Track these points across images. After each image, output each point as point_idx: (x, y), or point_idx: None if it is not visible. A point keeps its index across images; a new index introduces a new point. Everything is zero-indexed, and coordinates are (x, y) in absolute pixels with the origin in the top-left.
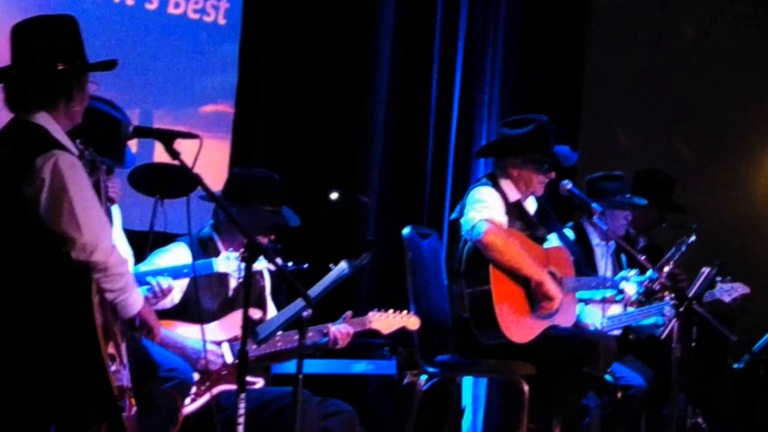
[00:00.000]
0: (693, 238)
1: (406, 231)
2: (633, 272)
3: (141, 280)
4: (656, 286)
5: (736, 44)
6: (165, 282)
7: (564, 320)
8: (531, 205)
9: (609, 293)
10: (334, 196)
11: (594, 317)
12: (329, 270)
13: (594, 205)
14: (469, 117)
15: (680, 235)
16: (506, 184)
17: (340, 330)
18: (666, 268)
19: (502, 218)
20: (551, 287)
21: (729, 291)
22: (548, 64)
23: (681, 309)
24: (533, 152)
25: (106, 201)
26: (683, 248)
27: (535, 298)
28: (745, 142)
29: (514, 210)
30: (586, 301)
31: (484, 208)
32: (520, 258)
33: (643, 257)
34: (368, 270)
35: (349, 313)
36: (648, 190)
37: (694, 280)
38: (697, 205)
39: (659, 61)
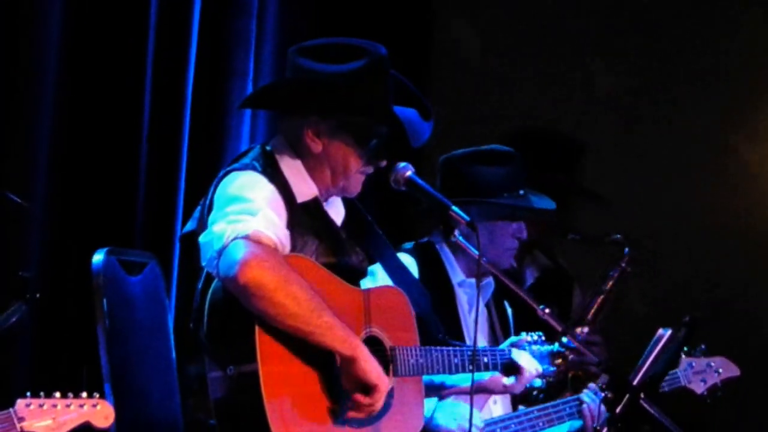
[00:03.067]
0: (623, 263)
1: (97, 258)
2: (530, 336)
3: None
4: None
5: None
6: None
7: (398, 429)
8: (337, 211)
9: (489, 375)
10: None
11: (462, 418)
12: None
13: (456, 209)
14: (215, 56)
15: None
16: (293, 169)
17: None
18: (584, 327)
19: (279, 232)
20: (370, 367)
21: (704, 373)
22: None
23: (619, 408)
24: (359, 110)
25: None
26: (609, 283)
27: (339, 388)
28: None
29: (306, 217)
30: (444, 392)
31: (244, 216)
32: (313, 311)
33: (547, 310)
34: (26, 328)
35: None
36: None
37: (645, 350)
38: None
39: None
